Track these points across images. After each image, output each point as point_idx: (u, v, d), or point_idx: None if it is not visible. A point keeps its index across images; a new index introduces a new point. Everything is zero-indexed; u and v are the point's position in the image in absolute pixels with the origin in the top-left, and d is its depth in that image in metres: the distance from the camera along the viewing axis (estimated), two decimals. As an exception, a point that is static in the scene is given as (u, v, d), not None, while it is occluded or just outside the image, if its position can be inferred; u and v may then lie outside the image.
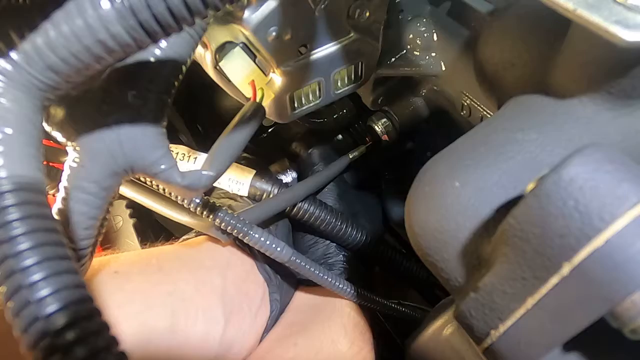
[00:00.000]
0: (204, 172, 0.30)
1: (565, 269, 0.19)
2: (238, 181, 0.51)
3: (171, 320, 0.40)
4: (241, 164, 0.54)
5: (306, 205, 0.51)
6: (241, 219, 0.41)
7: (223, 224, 0.41)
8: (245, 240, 0.42)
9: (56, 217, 0.25)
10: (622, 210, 0.18)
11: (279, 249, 0.42)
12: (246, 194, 0.52)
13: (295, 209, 0.51)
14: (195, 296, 0.43)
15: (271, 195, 0.51)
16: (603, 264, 0.18)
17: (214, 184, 0.47)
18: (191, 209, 0.40)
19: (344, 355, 0.46)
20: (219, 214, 0.40)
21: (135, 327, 0.37)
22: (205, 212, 0.40)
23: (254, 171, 0.52)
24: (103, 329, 0.18)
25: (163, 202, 0.45)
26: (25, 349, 0.16)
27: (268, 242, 0.42)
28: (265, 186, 0.51)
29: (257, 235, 0.42)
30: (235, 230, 0.41)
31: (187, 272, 0.44)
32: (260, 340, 0.49)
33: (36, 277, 0.16)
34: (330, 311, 0.50)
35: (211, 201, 0.41)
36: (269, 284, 0.50)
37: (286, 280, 0.52)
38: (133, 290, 0.40)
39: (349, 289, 0.47)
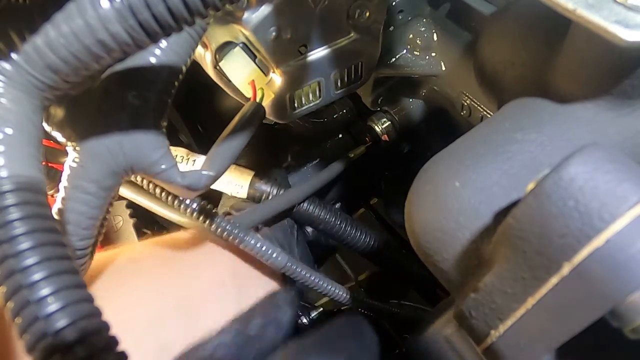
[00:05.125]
0: (204, 172, 0.30)
1: (566, 269, 0.19)
2: (237, 183, 0.51)
3: (184, 304, 0.40)
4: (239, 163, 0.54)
5: (306, 205, 0.51)
6: (237, 224, 0.41)
7: (219, 230, 0.41)
8: (241, 247, 0.42)
9: (56, 217, 0.25)
10: (622, 210, 0.18)
11: (274, 255, 0.42)
12: (245, 196, 0.51)
13: (295, 209, 0.51)
14: (206, 276, 0.43)
15: (270, 197, 0.51)
16: (603, 263, 0.18)
17: (213, 186, 0.47)
18: (187, 215, 0.40)
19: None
20: (215, 219, 0.40)
21: (148, 314, 0.38)
22: (201, 218, 0.40)
23: (253, 172, 0.52)
24: (103, 329, 0.18)
25: (161, 204, 0.44)
26: (26, 349, 0.16)
27: (264, 249, 0.42)
28: (264, 187, 0.51)
29: (252, 242, 0.41)
30: (231, 237, 0.41)
31: (198, 255, 0.44)
32: None
33: (36, 277, 0.17)
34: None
35: (207, 207, 0.41)
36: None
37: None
38: (146, 276, 0.40)
39: (346, 295, 0.47)
